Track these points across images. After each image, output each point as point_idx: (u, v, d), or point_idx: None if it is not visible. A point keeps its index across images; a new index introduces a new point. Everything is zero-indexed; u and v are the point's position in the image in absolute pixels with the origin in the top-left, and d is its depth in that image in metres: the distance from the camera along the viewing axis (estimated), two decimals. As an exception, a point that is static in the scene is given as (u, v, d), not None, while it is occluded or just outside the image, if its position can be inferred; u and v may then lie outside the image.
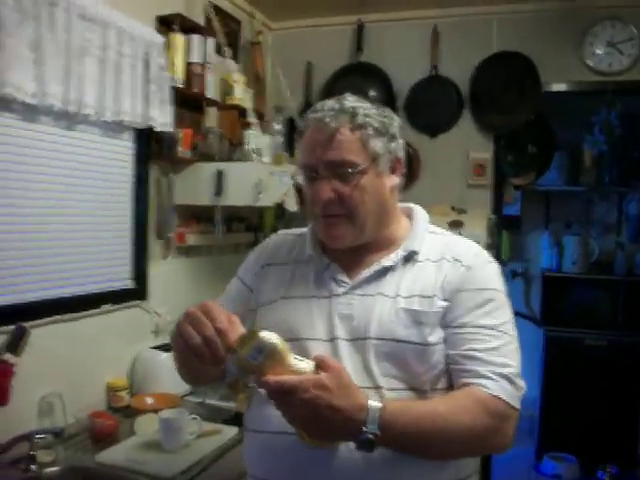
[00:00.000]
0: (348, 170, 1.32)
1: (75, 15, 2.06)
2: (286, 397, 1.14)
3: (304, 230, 1.53)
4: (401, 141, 1.41)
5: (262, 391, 1.23)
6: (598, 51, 3.15)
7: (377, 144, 1.34)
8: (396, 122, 1.40)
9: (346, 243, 1.39)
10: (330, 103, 1.36)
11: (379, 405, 1.17)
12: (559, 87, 3.26)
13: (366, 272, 1.38)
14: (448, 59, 3.36)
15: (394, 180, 1.40)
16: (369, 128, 1.32)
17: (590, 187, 4.83)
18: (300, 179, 1.42)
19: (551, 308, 4.89)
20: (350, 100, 1.35)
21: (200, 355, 1.18)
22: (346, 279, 1.39)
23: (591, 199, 5.09)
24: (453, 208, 3.27)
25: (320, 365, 1.18)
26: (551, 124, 3.72)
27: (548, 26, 3.20)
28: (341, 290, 1.38)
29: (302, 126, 1.40)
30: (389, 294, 1.34)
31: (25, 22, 1.88)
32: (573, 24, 3.18)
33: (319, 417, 1.14)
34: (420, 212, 1.49)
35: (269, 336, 1.18)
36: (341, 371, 1.19)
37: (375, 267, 1.38)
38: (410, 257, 1.38)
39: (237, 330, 1.20)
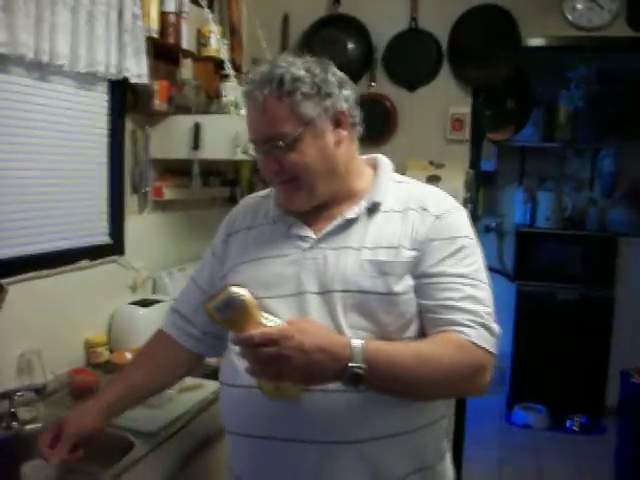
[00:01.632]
0: (280, 143, 1.32)
1: (46, -40, 1.97)
2: (270, 349, 1.14)
3: (269, 191, 1.54)
4: (346, 92, 1.40)
5: (233, 347, 1.25)
6: (578, 5, 3.12)
7: (309, 107, 1.34)
8: (333, 77, 1.38)
9: (302, 206, 1.41)
10: (261, 71, 1.36)
11: (361, 342, 1.20)
12: (538, 42, 3.23)
13: (329, 226, 1.40)
14: (428, 12, 3.30)
15: (341, 134, 1.39)
16: (297, 93, 1.32)
17: (565, 143, 4.86)
18: (252, 150, 1.43)
19: (524, 263, 4.97)
20: (280, 66, 1.34)
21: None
22: (311, 234, 1.41)
23: (565, 155, 5.13)
24: (431, 162, 3.26)
25: (288, 322, 1.22)
26: (529, 79, 3.72)
27: (529, -21, 3.16)
28: (306, 245, 1.40)
29: (243, 99, 1.46)
30: (354, 246, 1.36)
31: (-7, -32, 1.80)
32: (554, -23, 3.14)
33: (309, 362, 1.16)
34: (384, 162, 1.50)
35: (238, 291, 1.21)
36: (310, 319, 1.28)
37: (338, 220, 1.40)
38: (374, 208, 1.40)
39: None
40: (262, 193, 1.59)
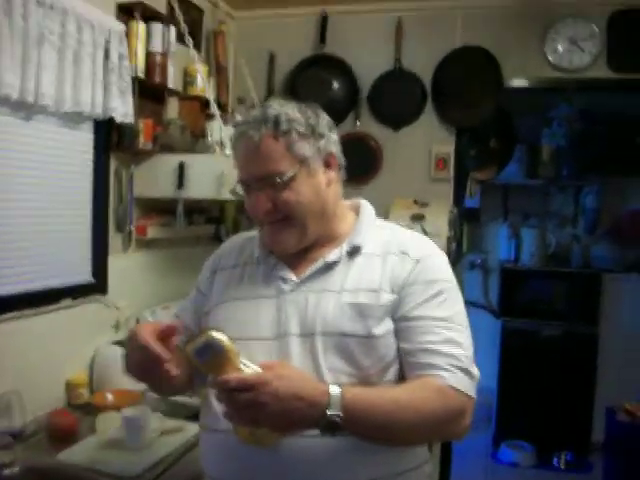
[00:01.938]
0: (277, 180, 1.33)
1: (33, 2, 1.99)
2: (246, 394, 1.13)
3: (254, 233, 1.54)
4: (333, 136, 1.43)
5: (212, 390, 1.26)
6: (559, 48, 3.18)
7: (304, 147, 1.35)
8: (324, 120, 1.41)
9: (291, 247, 1.41)
10: (253, 114, 1.39)
11: (339, 389, 1.19)
12: (520, 82, 3.28)
13: (311, 269, 1.40)
14: (412, 52, 3.36)
15: (330, 175, 1.42)
16: (293, 133, 1.34)
17: (548, 180, 4.91)
18: (240, 190, 1.43)
19: (508, 299, 4.97)
20: (273, 107, 1.37)
21: (142, 367, 1.30)
22: (292, 277, 1.41)
23: (549, 192, 5.17)
24: (415, 201, 3.28)
25: (266, 367, 1.20)
26: (512, 118, 3.76)
27: (511, 22, 3.22)
28: (288, 288, 1.40)
29: (232, 140, 1.43)
30: (334, 289, 1.36)
31: (-20, 8, 1.81)
32: (536, 20, 3.20)
33: (286, 408, 1.14)
34: (366, 206, 1.52)
35: (218, 336, 1.20)
36: (289, 364, 1.27)
37: (319, 263, 1.40)
38: (354, 252, 1.41)
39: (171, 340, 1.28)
40: (249, 234, 1.59)
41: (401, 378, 1.34)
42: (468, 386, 1.29)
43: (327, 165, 1.41)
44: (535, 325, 4.82)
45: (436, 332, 1.31)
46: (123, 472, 1.80)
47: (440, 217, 3.24)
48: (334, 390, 1.18)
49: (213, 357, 1.18)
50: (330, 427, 1.17)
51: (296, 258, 1.43)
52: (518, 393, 4.74)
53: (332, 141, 1.42)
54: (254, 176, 1.36)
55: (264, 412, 1.14)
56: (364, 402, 1.22)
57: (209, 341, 1.19)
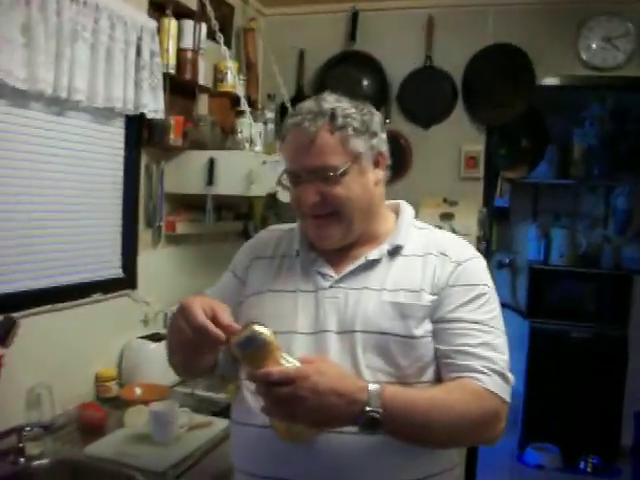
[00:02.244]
0: (330, 173, 1.33)
1: (67, -2, 2.01)
2: (286, 388, 1.13)
3: (293, 225, 1.54)
4: (383, 135, 1.42)
5: (247, 384, 1.26)
6: (593, 46, 3.14)
7: (358, 143, 1.35)
8: (377, 118, 1.41)
9: (335, 242, 1.41)
10: (308, 105, 1.37)
11: (378, 385, 1.19)
12: (553, 81, 3.25)
13: (351, 266, 1.40)
14: (443, 50, 3.33)
15: (378, 174, 1.41)
16: (349, 128, 1.33)
17: (579, 180, 4.84)
18: (285, 181, 1.42)
19: (537, 300, 4.91)
20: (329, 101, 1.36)
21: (192, 345, 1.25)
22: (332, 273, 1.41)
23: (579, 192, 5.11)
24: (445, 200, 3.26)
25: (306, 361, 1.20)
26: (544, 117, 3.72)
27: (544, 19, 3.18)
28: (327, 284, 1.40)
29: (283, 130, 1.41)
30: (375, 287, 1.36)
31: (16, 5, 1.83)
32: (569, 18, 3.16)
33: (324, 404, 1.14)
34: (406, 208, 1.51)
35: (261, 329, 1.20)
36: (329, 359, 1.26)
37: (360, 261, 1.40)
38: (395, 251, 1.40)
39: (227, 318, 1.23)
40: (286, 226, 1.58)
41: (437, 380, 1.34)
42: (503, 390, 1.28)
43: (376, 164, 1.40)
44: (564, 327, 4.76)
45: (474, 335, 1.31)
46: (150, 466, 1.81)
47: (469, 216, 3.22)
48: (373, 387, 1.18)
49: (255, 350, 1.18)
50: (369, 424, 1.16)
51: (336, 255, 1.42)
52: (545, 395, 4.69)
53: (383, 140, 1.41)
54: (306, 168, 1.35)
55: (302, 407, 1.14)
56: (403, 400, 1.21)
57: (253, 334, 1.19)
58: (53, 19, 1.97)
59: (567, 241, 4.94)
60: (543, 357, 4.73)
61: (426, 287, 1.34)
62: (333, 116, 1.33)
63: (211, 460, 1.93)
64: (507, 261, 5.15)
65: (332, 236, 1.39)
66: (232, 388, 2.29)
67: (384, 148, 1.42)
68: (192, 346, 1.28)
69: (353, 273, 1.39)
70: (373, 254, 1.40)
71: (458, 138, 3.32)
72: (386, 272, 1.38)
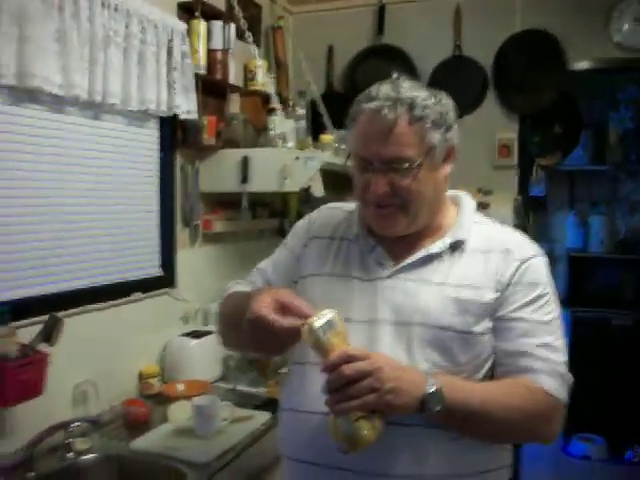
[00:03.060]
0: (405, 165, 1.29)
1: (98, 5, 2.05)
2: (363, 362, 1.15)
3: (353, 206, 1.50)
4: (456, 127, 1.36)
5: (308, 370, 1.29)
6: (625, 27, 3.09)
7: (434, 136, 1.30)
8: (452, 110, 1.35)
9: (398, 232, 1.38)
10: (385, 90, 1.31)
11: (430, 374, 1.22)
12: (585, 65, 3.20)
13: (411, 258, 1.37)
14: (471, 39, 3.32)
15: (447, 169, 1.37)
16: (427, 120, 1.28)
17: (616, 165, 4.76)
18: (351, 165, 1.40)
19: (577, 288, 4.85)
20: (406, 87, 1.31)
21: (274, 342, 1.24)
22: (390, 263, 1.38)
23: (617, 178, 5.02)
24: (479, 190, 3.23)
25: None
26: (577, 102, 3.67)
27: (573, 2, 3.14)
28: (385, 273, 1.37)
29: (355, 112, 1.35)
30: (435, 281, 1.33)
31: (49, 13, 1.87)
32: (598, 0, 3.11)
33: (398, 374, 1.17)
34: (468, 200, 1.47)
35: (336, 315, 1.21)
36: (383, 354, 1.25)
37: (421, 253, 1.37)
38: (457, 246, 1.37)
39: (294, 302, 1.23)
40: (347, 206, 1.55)
41: (491, 378, 1.33)
42: (562, 391, 1.28)
43: (447, 158, 1.36)
44: (605, 314, 4.69)
45: (535, 335, 1.29)
46: (194, 459, 1.84)
47: (505, 205, 3.19)
48: (427, 374, 1.22)
49: (332, 335, 1.19)
50: (433, 399, 1.18)
51: (396, 244, 1.39)
52: (589, 384, 4.58)
53: (456, 133, 1.37)
54: (380, 157, 1.30)
55: (379, 377, 1.15)
56: (460, 386, 1.24)
57: (333, 319, 1.20)
58: (86, 25, 2.02)
59: (606, 228, 4.86)
60: (585, 346, 4.65)
61: (488, 284, 1.32)
62: (412, 105, 1.27)
63: (253, 452, 1.96)
64: (545, 250, 5.09)
65: (395, 227, 1.36)
66: (272, 383, 2.33)
67: (456, 141, 1.37)
68: (266, 341, 1.25)
69: (412, 265, 1.36)
70: (434, 247, 1.36)
71: (490, 127, 3.30)
72: (448, 266, 1.35)
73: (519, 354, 1.29)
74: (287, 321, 1.20)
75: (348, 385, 1.14)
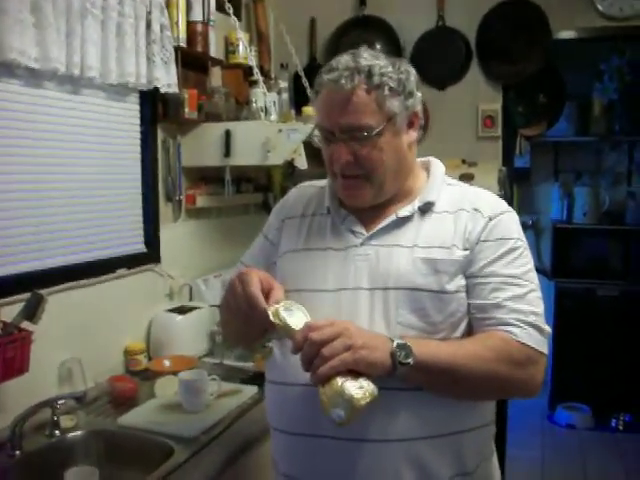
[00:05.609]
0: (364, 133, 1.31)
1: (74, -25, 2.01)
2: (330, 329, 1.20)
3: (324, 182, 1.53)
4: (419, 94, 1.39)
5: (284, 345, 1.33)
6: (609, -5, 3.07)
7: (393, 103, 1.32)
8: (413, 77, 1.38)
9: (366, 202, 1.41)
10: (345, 61, 1.34)
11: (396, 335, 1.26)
12: (569, 34, 3.18)
13: (382, 223, 1.40)
14: (455, 9, 3.28)
15: (412, 135, 1.40)
16: (385, 88, 1.31)
17: (600, 137, 4.78)
18: (317, 138, 1.41)
19: (562, 260, 4.89)
20: (365, 57, 1.33)
21: (243, 313, 1.30)
22: (362, 230, 1.41)
23: (601, 149, 5.05)
24: (464, 161, 3.23)
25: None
26: (561, 73, 3.66)
27: (557, -29, 3.12)
28: (358, 241, 1.40)
29: (317, 84, 1.38)
30: (406, 244, 1.36)
31: (24, -16, 1.83)
32: (583, -33, 3.09)
33: (365, 334, 1.22)
34: (437, 164, 1.50)
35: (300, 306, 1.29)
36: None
37: (391, 218, 1.40)
38: (426, 208, 1.40)
39: (274, 288, 1.30)
40: (318, 183, 1.58)
41: (469, 335, 1.35)
42: (538, 341, 1.29)
43: (410, 125, 1.38)
44: (590, 285, 4.75)
45: (506, 289, 1.31)
46: (182, 433, 1.83)
47: (489, 176, 3.19)
48: (393, 336, 1.24)
49: (295, 315, 1.27)
50: (403, 351, 1.20)
51: (367, 212, 1.42)
52: (574, 354, 4.68)
53: (418, 99, 1.39)
54: (340, 126, 1.33)
55: (349, 336, 1.18)
56: (427, 341, 1.27)
57: (293, 303, 1.29)
58: (62, -4, 1.97)
59: (590, 199, 4.90)
60: (570, 317, 4.72)
61: (458, 242, 1.34)
62: (370, 74, 1.30)
63: (241, 425, 1.95)
64: (530, 222, 5.12)
65: (362, 196, 1.39)
66: (267, 350, 2.33)
67: (419, 108, 1.39)
68: (243, 314, 1.30)
69: (384, 230, 1.39)
70: (404, 211, 1.39)
71: (474, 98, 3.28)
72: (417, 229, 1.38)
73: (491, 308, 1.31)
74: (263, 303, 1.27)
75: (321, 349, 1.17)
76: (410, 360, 1.20)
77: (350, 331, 1.19)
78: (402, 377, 1.22)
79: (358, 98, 1.30)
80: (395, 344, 1.21)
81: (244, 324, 1.35)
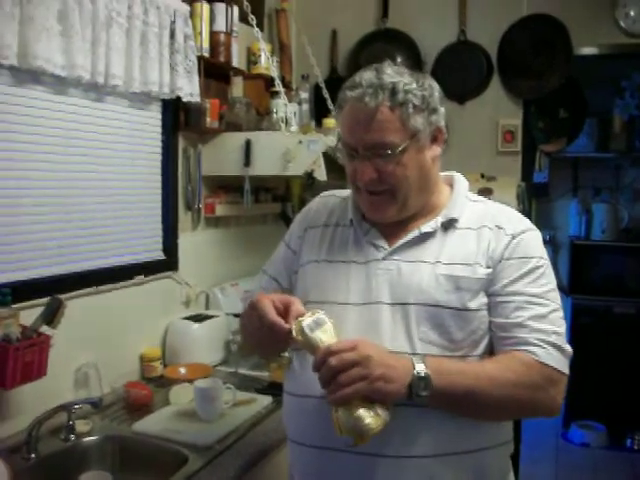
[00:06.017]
0: (388, 151, 1.31)
1: (101, -16, 2.03)
2: (352, 353, 1.19)
3: (348, 193, 1.53)
4: (442, 110, 1.39)
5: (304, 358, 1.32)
6: (631, 13, 3.06)
7: (417, 120, 1.32)
8: (437, 92, 1.38)
9: (390, 218, 1.41)
10: (368, 77, 1.34)
11: (420, 357, 1.24)
12: (590, 50, 3.17)
13: (405, 238, 1.39)
14: (476, 23, 3.29)
15: (436, 150, 1.39)
16: (409, 105, 1.31)
17: (620, 153, 4.74)
18: (339, 153, 1.41)
19: (579, 276, 4.85)
20: (389, 74, 1.33)
21: (267, 338, 1.31)
22: (385, 244, 1.41)
23: (621, 165, 5.00)
24: (483, 175, 3.22)
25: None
26: (582, 89, 3.64)
27: (579, -13, 3.11)
28: (380, 255, 1.40)
29: (340, 100, 1.38)
30: (429, 260, 1.36)
31: (52, -7, 1.86)
32: (606, -15, 3.08)
33: (385, 360, 1.21)
34: (461, 180, 1.50)
35: (324, 315, 1.27)
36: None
37: (414, 233, 1.40)
38: (449, 224, 1.40)
39: (292, 303, 1.29)
40: (342, 193, 1.58)
41: (490, 354, 1.34)
42: (560, 362, 1.29)
43: (434, 140, 1.38)
44: (606, 302, 4.70)
45: (529, 308, 1.31)
46: (196, 441, 1.84)
47: (508, 191, 3.18)
48: (414, 358, 1.23)
49: (320, 332, 1.24)
50: (421, 384, 1.20)
51: (390, 226, 1.42)
52: (589, 372, 4.62)
53: (442, 115, 1.38)
54: (364, 144, 1.33)
55: (369, 364, 1.18)
56: (447, 366, 1.25)
57: (320, 317, 1.26)
58: (88, 6, 1.99)
59: (609, 216, 4.85)
60: (586, 334, 4.66)
61: (481, 260, 1.34)
62: (394, 91, 1.30)
63: (255, 435, 1.95)
64: (548, 237, 5.09)
65: (387, 212, 1.39)
66: (274, 367, 2.33)
67: (442, 123, 1.39)
68: (267, 338, 1.31)
69: (406, 245, 1.39)
70: (427, 227, 1.39)
71: (495, 112, 3.28)
72: (440, 245, 1.37)
73: (513, 327, 1.30)
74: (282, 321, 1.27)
75: (338, 375, 1.17)
76: (427, 392, 1.20)
77: (370, 360, 1.18)
78: (419, 404, 1.22)
79: (382, 115, 1.30)
80: (415, 374, 1.20)
81: (268, 345, 1.36)
